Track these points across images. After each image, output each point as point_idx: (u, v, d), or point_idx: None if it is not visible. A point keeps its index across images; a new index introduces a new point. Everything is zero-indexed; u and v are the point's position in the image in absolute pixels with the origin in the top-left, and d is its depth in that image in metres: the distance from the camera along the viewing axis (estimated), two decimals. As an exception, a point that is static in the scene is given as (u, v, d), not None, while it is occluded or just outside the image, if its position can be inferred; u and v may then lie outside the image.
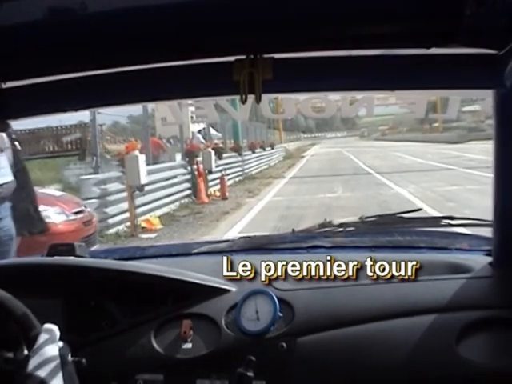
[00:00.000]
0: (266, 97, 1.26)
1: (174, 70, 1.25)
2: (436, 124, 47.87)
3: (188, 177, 13.81)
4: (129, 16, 1.03)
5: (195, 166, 13.81)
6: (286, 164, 28.40)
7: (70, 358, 1.22)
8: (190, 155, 14.21)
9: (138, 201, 10.08)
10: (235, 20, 1.06)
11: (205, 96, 1.41)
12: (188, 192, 13.61)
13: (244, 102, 1.21)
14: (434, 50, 1.16)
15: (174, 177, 13.09)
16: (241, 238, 1.96)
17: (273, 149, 30.48)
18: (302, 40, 1.16)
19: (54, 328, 1.23)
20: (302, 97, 1.50)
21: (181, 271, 1.53)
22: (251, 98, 1.22)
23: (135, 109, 13.13)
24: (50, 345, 1.20)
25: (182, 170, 13.83)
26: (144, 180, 9.64)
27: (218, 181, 14.60)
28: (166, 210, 11.67)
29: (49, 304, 1.49)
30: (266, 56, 1.19)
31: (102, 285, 1.53)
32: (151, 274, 1.52)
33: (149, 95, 1.37)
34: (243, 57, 1.19)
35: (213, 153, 15.17)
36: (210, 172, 14.82)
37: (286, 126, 50.58)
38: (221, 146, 17.91)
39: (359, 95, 1.52)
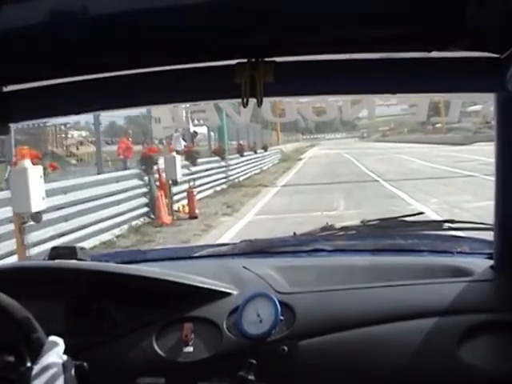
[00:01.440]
0: (267, 100, 1.27)
1: (176, 74, 1.26)
2: (439, 125, 46.77)
3: (146, 189, 10.92)
4: (130, 20, 1.03)
5: (157, 176, 11.05)
6: (280, 168, 26.05)
7: (73, 372, 1.21)
8: (146, 161, 10.92)
9: (59, 228, 7.50)
10: (237, 24, 1.06)
11: (206, 99, 1.41)
12: (146, 209, 10.80)
13: (245, 105, 1.22)
14: (435, 54, 1.17)
15: (124, 190, 10.06)
16: (242, 241, 1.96)
17: (266, 151, 27.71)
18: (303, 43, 1.17)
19: (59, 341, 1.22)
20: (302, 99, 1.50)
21: (182, 274, 1.53)
22: (252, 101, 1.22)
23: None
24: (53, 358, 1.19)
25: (137, 182, 10.79)
26: (39, 205, 6.17)
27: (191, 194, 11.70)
28: (107, 236, 8.90)
29: (50, 307, 1.49)
30: (267, 59, 1.19)
31: (104, 288, 1.52)
32: (152, 278, 1.52)
33: (150, 99, 1.37)
34: (244, 60, 1.19)
35: (178, 158, 11.51)
36: (176, 183, 11.54)
37: (285, 126, 49.55)
38: (194, 149, 15.65)
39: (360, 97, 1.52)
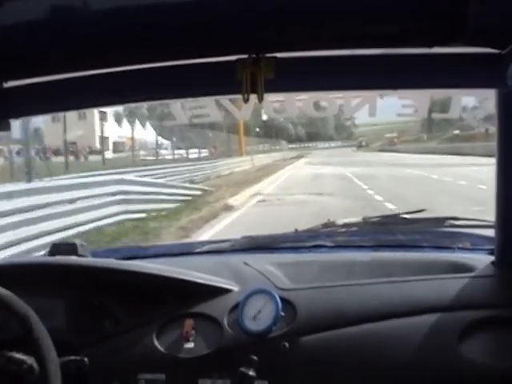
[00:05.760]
0: (267, 96, 1.27)
1: (177, 70, 1.26)
2: (482, 130, 32.26)
3: None
4: (131, 15, 1.03)
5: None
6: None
7: None
8: None
9: None
10: (238, 19, 1.06)
11: (207, 95, 1.41)
12: None
13: (246, 101, 1.22)
14: (436, 49, 1.17)
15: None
16: (243, 237, 1.96)
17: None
18: (305, 39, 1.17)
19: None
20: (302, 95, 1.50)
21: (183, 271, 1.53)
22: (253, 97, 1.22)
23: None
24: None
25: None
26: None
27: None
28: None
29: (51, 304, 1.49)
30: (268, 55, 1.19)
31: (105, 284, 1.52)
32: (153, 274, 1.52)
33: (150, 94, 1.37)
34: (245, 56, 1.19)
35: None
36: None
37: (260, 132, 38.85)
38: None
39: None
